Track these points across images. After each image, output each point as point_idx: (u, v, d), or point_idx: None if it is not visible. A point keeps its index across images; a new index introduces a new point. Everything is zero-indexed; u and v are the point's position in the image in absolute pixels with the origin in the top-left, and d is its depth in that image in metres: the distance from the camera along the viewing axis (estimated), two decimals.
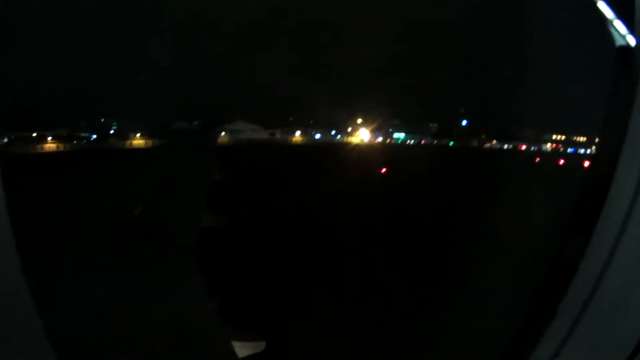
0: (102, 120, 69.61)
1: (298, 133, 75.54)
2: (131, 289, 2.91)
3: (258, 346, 3.37)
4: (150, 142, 61.08)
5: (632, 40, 2.18)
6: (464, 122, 79.43)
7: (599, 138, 2.58)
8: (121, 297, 2.78)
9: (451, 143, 75.16)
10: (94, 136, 65.41)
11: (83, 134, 65.38)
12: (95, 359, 2.18)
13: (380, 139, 76.78)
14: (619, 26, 2.23)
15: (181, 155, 10.87)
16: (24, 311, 1.59)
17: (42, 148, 58.78)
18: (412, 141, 77.79)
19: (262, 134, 73.53)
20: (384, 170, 40.36)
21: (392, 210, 19.01)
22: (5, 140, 59.95)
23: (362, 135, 75.76)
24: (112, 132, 67.97)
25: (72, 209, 4.42)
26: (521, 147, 70.02)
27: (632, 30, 2.16)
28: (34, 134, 61.32)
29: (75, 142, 61.70)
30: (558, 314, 2.22)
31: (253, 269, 10.60)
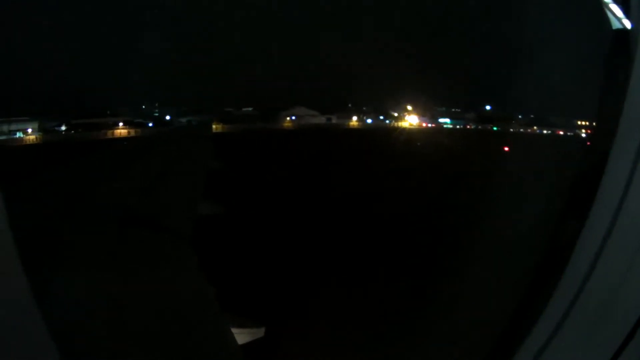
0: (143, 107, 68.96)
1: (355, 118, 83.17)
2: (128, 279, 2.90)
3: (257, 332, 3.41)
4: (219, 128, 61.66)
5: (628, 24, 2.18)
6: (488, 107, 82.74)
7: (595, 121, 2.58)
8: (119, 287, 2.77)
9: (495, 128, 76.54)
10: (151, 124, 64.58)
11: (137, 120, 64.52)
12: (96, 350, 2.18)
13: (424, 124, 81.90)
14: (616, 10, 2.23)
15: (178, 143, 10.76)
16: (25, 307, 1.57)
17: (104, 135, 58.40)
18: (459, 126, 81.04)
19: (320, 119, 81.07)
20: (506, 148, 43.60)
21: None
22: (64, 127, 59.56)
23: (411, 121, 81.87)
24: (168, 118, 66.95)
25: (66, 201, 4.37)
26: (558, 132, 69.37)
27: (628, 13, 2.16)
28: (94, 121, 60.96)
29: (137, 129, 60.42)
30: (547, 308, 2.24)
31: (253, 256, 10.65)
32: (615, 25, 2.27)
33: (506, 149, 44.55)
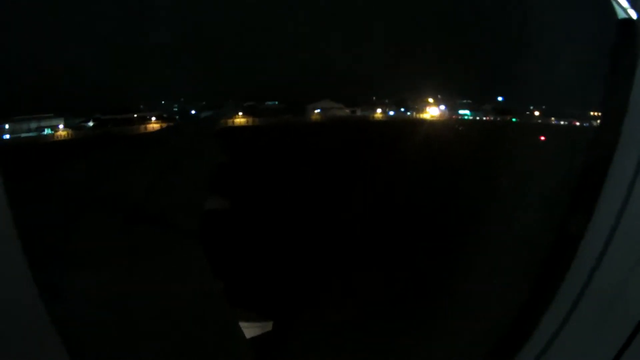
0: (162, 102, 69.70)
1: (379, 110, 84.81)
2: (136, 275, 2.96)
3: (265, 326, 3.46)
4: (251, 121, 63.87)
5: (633, 14, 2.13)
6: (500, 99, 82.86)
7: (601, 113, 2.54)
8: (126, 283, 2.83)
9: (514, 119, 76.31)
10: (177, 117, 65.36)
11: (165, 115, 65.06)
12: (103, 349, 2.23)
13: (445, 116, 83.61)
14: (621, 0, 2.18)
15: (185, 138, 10.84)
16: (31, 306, 1.56)
17: (137, 130, 58.91)
18: (478, 117, 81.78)
19: (345, 112, 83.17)
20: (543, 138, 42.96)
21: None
22: (91, 123, 60.60)
23: (432, 112, 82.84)
24: (193, 112, 67.64)
25: (73, 197, 4.46)
26: (574, 122, 68.12)
27: (634, 3, 2.12)
28: (124, 117, 61.96)
29: (169, 123, 60.48)
30: (549, 308, 2.22)
31: (259, 250, 10.70)
32: (621, 15, 2.22)
33: (542, 138, 44.24)
